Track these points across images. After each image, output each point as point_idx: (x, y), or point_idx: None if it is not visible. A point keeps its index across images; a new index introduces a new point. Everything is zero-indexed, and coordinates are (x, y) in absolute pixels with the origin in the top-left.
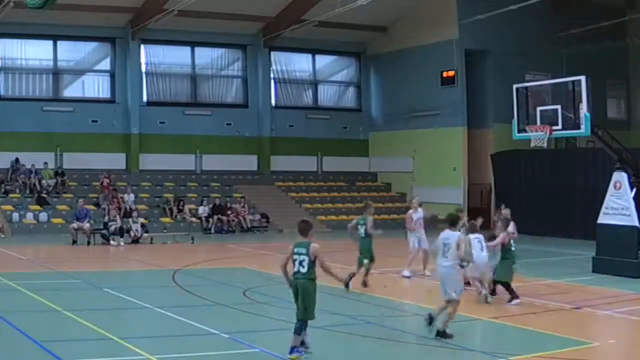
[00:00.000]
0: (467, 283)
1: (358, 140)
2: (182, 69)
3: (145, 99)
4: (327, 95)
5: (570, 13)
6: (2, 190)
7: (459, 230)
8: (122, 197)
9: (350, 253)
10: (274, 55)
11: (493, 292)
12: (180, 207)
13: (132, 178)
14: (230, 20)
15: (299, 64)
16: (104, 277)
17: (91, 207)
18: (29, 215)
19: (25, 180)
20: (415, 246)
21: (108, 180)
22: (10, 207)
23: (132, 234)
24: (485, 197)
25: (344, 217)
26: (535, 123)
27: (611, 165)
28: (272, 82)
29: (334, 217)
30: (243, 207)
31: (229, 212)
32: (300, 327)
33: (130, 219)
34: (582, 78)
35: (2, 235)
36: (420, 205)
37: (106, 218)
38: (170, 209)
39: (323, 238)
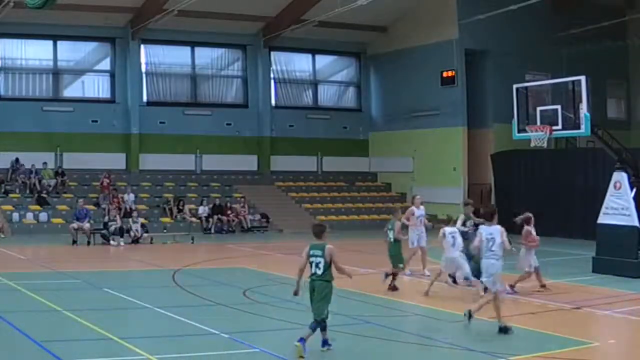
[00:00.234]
0: (454, 281)
1: (358, 140)
2: (182, 69)
3: (145, 99)
4: (327, 95)
5: (570, 13)
6: (2, 190)
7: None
8: (122, 197)
9: (349, 253)
10: (274, 55)
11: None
12: (180, 207)
13: (132, 178)
14: (230, 20)
15: (299, 64)
16: (104, 277)
17: (91, 207)
18: (29, 215)
19: (25, 180)
20: (415, 244)
21: (108, 180)
22: (10, 207)
23: (132, 234)
24: (485, 197)
25: (344, 217)
26: (535, 123)
27: (611, 165)
28: (272, 82)
29: (334, 217)
30: (243, 207)
31: (229, 212)
32: (324, 325)
33: (130, 219)
34: (582, 78)
35: (2, 235)
36: (421, 204)
37: (106, 218)
38: (170, 209)
39: None
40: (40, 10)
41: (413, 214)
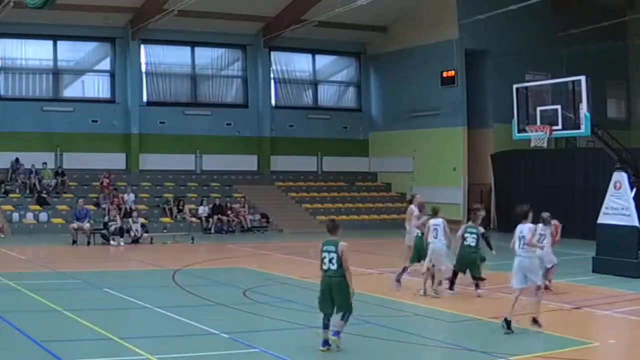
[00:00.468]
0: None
1: (358, 140)
2: (182, 69)
3: (145, 99)
4: (327, 95)
5: (570, 13)
6: (2, 190)
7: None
8: (122, 197)
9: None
10: (274, 55)
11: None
12: (180, 207)
13: (132, 178)
14: (230, 20)
15: (299, 64)
16: (104, 277)
17: (91, 207)
18: (29, 215)
19: (25, 180)
20: (412, 243)
21: (108, 180)
22: (10, 207)
23: (132, 234)
24: (485, 197)
25: (344, 217)
26: (535, 123)
27: (611, 165)
28: (272, 82)
29: (333, 217)
30: (243, 207)
31: (229, 212)
32: (348, 316)
33: (130, 219)
34: (582, 78)
35: (2, 235)
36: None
37: (106, 218)
38: (170, 209)
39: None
40: (40, 10)
41: (413, 213)
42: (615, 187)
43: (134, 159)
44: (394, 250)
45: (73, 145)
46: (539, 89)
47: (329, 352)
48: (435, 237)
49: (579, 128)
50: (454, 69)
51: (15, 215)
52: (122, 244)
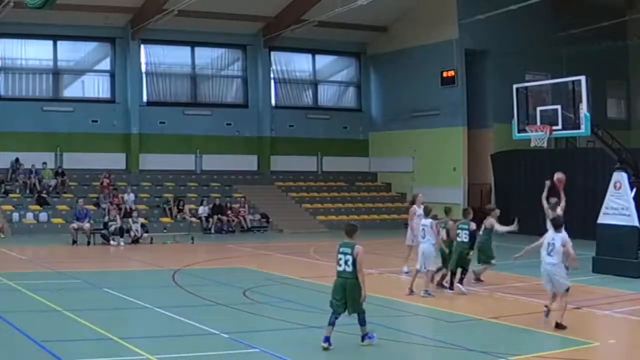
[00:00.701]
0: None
1: (358, 140)
2: (182, 69)
3: (145, 99)
4: (327, 95)
5: (570, 13)
6: (2, 190)
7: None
8: (122, 197)
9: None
10: (274, 55)
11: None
12: (180, 207)
13: (132, 178)
14: (230, 20)
15: (299, 64)
16: (104, 277)
17: (91, 207)
18: (29, 215)
19: (25, 180)
20: (413, 242)
21: (108, 180)
22: (10, 207)
23: (132, 234)
24: (485, 197)
25: (344, 217)
26: (535, 123)
27: (611, 165)
28: (272, 82)
29: (333, 217)
30: (243, 207)
31: (228, 212)
32: (363, 319)
33: (130, 219)
34: (582, 78)
35: (2, 235)
36: (422, 203)
37: (106, 218)
38: (170, 209)
39: (322, 238)
40: (40, 10)
41: (415, 213)
42: (615, 187)
43: (134, 159)
44: (394, 250)
45: (73, 145)
46: (539, 89)
47: (330, 352)
48: (424, 238)
49: (579, 128)
50: (454, 69)
51: (15, 215)
52: (122, 244)
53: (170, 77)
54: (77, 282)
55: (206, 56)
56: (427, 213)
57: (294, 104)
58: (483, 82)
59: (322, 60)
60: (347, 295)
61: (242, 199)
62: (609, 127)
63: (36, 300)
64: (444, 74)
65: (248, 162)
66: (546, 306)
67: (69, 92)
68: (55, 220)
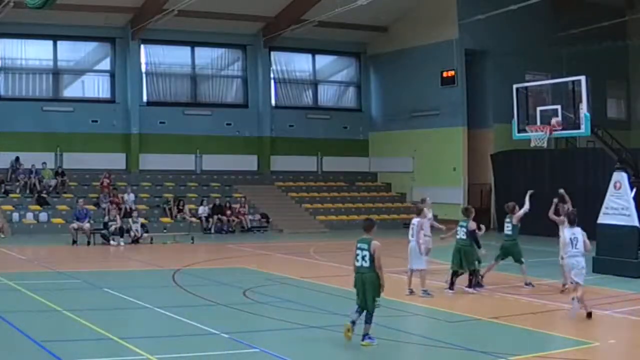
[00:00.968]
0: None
1: (358, 140)
2: (182, 69)
3: (145, 99)
4: (327, 95)
5: (570, 13)
6: (2, 190)
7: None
8: (122, 197)
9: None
10: (274, 55)
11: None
12: (180, 207)
13: (132, 178)
14: (230, 20)
15: (299, 64)
16: (104, 277)
17: (91, 207)
18: (29, 215)
19: (25, 180)
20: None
21: (108, 180)
22: (10, 207)
23: (132, 234)
24: (485, 197)
25: (344, 217)
26: (535, 123)
27: (611, 165)
28: (272, 82)
29: (333, 217)
30: (242, 207)
31: (228, 212)
32: (370, 317)
33: (130, 219)
34: (582, 78)
35: (2, 235)
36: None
37: (106, 218)
38: (170, 209)
39: (322, 238)
40: (40, 10)
41: (425, 216)
42: (615, 187)
43: (134, 159)
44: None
45: (73, 145)
46: (539, 89)
47: (330, 352)
48: (412, 237)
49: (579, 128)
50: (454, 69)
51: (15, 215)
52: (122, 244)
53: (170, 77)
54: (77, 282)
55: (206, 56)
56: (418, 213)
57: (294, 104)
58: (483, 82)
59: (322, 60)
60: (366, 290)
61: (242, 199)
62: (609, 127)
63: (36, 300)
64: (444, 74)
65: (248, 162)
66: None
67: (69, 92)
68: (55, 220)
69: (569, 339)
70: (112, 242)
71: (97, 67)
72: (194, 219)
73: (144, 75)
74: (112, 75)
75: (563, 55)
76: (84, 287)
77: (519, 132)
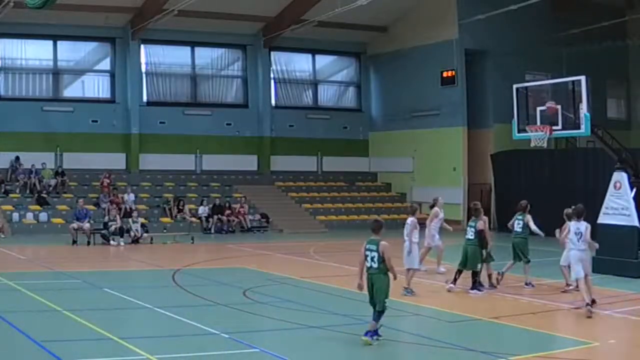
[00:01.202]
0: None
1: (358, 140)
2: (182, 69)
3: (145, 99)
4: (327, 95)
5: (570, 13)
6: (2, 190)
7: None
8: (122, 197)
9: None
10: (274, 55)
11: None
12: (180, 207)
13: (132, 178)
14: (230, 20)
15: (299, 64)
16: (104, 277)
17: (91, 207)
18: (29, 215)
19: (25, 180)
20: (438, 243)
21: (108, 180)
22: (10, 207)
23: (132, 234)
24: (485, 197)
25: (344, 217)
26: (535, 123)
27: (611, 165)
28: (272, 82)
29: (333, 217)
30: (242, 207)
31: (228, 212)
32: (379, 316)
33: (130, 219)
34: (582, 78)
35: (2, 235)
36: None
37: (106, 218)
38: (170, 209)
39: (322, 238)
40: (40, 10)
41: (438, 216)
42: (615, 187)
43: (134, 159)
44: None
45: (73, 145)
46: (539, 89)
47: (330, 352)
48: (407, 236)
49: (579, 128)
50: (454, 69)
51: (15, 215)
52: (122, 244)
53: (170, 77)
54: (77, 282)
55: (206, 56)
56: (412, 212)
57: (294, 104)
58: (483, 82)
59: (322, 60)
60: (374, 289)
61: (242, 199)
62: (609, 127)
63: (36, 300)
64: (444, 74)
65: (248, 162)
66: (569, 284)
67: (69, 92)
68: (55, 220)
69: (569, 339)
70: (112, 242)
71: (97, 67)
72: (194, 219)
73: (144, 75)
74: (112, 75)
75: (563, 55)
76: (84, 287)
77: (519, 132)
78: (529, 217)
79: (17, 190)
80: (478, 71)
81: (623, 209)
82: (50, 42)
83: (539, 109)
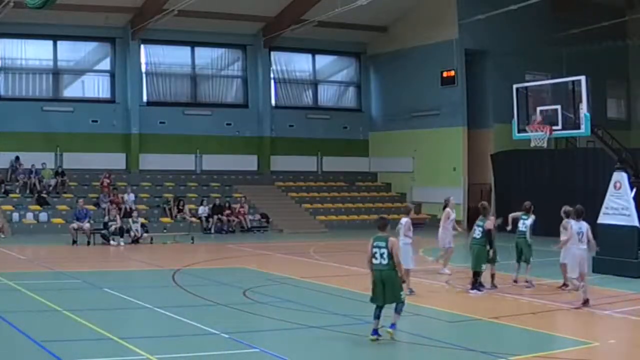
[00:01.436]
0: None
1: (358, 140)
2: (182, 69)
3: (145, 99)
4: (327, 95)
5: (570, 13)
6: (2, 190)
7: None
8: (122, 197)
9: (349, 253)
10: (274, 55)
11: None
12: (180, 207)
13: (132, 178)
14: (230, 20)
15: (299, 64)
16: (104, 277)
17: (91, 207)
18: (29, 215)
19: (25, 180)
20: (450, 245)
21: (108, 180)
22: (10, 207)
23: (132, 234)
24: (485, 197)
25: (344, 217)
26: (535, 121)
27: (611, 165)
28: (272, 82)
29: (333, 217)
30: (242, 207)
31: (228, 212)
32: (401, 309)
33: (130, 219)
34: (582, 78)
35: (2, 235)
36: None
37: (106, 218)
38: (170, 209)
39: (322, 238)
40: (40, 10)
41: (450, 217)
42: (615, 187)
43: (134, 159)
44: None
45: (73, 145)
46: (539, 89)
47: (330, 353)
48: (400, 236)
49: (579, 128)
50: (454, 69)
51: (15, 215)
52: (122, 244)
53: (170, 77)
54: (77, 282)
55: (206, 56)
56: (406, 213)
57: (294, 104)
58: (483, 82)
59: (322, 60)
60: (386, 286)
61: (242, 199)
62: (609, 127)
63: (36, 300)
64: (444, 74)
65: (248, 162)
66: (566, 284)
67: (69, 92)
68: (55, 220)
69: (569, 339)
70: (112, 242)
71: (97, 67)
72: (194, 219)
73: (144, 75)
74: (112, 75)
75: (563, 55)
76: (84, 287)
77: (519, 132)
78: (532, 218)
79: (17, 190)
80: (478, 71)
81: (623, 209)
82: (50, 42)
83: (539, 109)
